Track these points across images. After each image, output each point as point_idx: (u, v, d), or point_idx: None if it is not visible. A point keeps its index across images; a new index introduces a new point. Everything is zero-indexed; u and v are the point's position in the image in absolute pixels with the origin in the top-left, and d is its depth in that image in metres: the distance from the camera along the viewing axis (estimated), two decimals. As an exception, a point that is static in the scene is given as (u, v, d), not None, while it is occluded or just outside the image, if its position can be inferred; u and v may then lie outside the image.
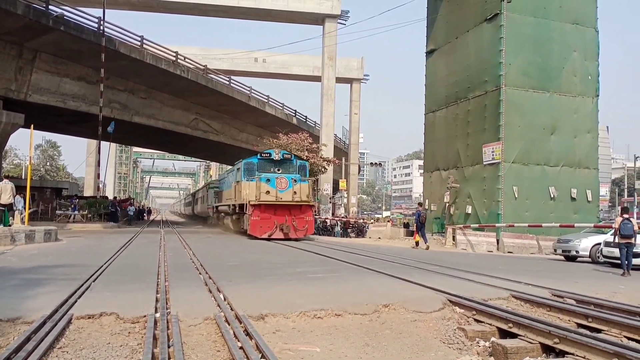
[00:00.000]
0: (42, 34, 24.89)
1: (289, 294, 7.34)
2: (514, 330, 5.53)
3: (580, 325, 5.99)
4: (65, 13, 25.33)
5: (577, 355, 4.64)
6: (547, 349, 5.05)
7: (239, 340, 5.00)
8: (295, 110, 46.16)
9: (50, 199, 33.52)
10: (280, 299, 6.96)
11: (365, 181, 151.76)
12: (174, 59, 32.27)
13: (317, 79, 52.32)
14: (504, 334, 5.62)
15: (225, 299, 6.92)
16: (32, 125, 18.84)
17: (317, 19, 47.79)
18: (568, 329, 5.22)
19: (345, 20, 48.01)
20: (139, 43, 30.12)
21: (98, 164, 36.31)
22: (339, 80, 51.65)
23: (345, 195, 45.64)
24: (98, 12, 29.69)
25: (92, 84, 30.10)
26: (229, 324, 5.60)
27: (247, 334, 5.25)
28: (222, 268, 10.41)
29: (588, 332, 5.22)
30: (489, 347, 5.31)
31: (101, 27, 27.64)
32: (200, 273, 9.69)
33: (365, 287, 8.12)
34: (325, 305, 6.47)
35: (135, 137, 41.11)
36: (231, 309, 6.32)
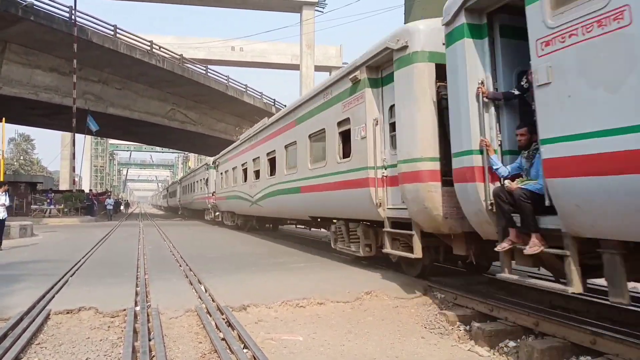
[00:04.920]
0: (11, 24, 24.22)
1: (270, 284, 7.32)
2: (495, 313, 5.60)
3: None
4: (35, 2, 24.65)
5: (556, 337, 4.72)
6: (527, 331, 5.14)
7: (220, 331, 4.97)
8: (274, 100, 45.90)
9: (25, 193, 32.66)
10: (262, 289, 6.94)
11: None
12: (149, 48, 31.72)
13: (296, 67, 52.11)
14: (485, 318, 5.69)
15: (206, 291, 6.88)
16: (3, 119, 18.41)
17: (295, 7, 47.56)
18: (547, 311, 5.30)
19: (323, 8, 47.96)
20: (112, 32, 29.51)
21: (73, 157, 35.61)
22: (318, 68, 51.53)
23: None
24: (69, 1, 29.00)
25: (65, 75, 29.49)
26: (210, 316, 5.57)
27: (229, 324, 5.23)
28: (203, 260, 10.34)
29: (567, 314, 5.31)
30: (469, 331, 5.38)
31: (73, 17, 27.04)
32: (180, 265, 9.61)
33: (347, 275, 8.14)
34: (307, 294, 6.47)
35: (111, 129, 40.35)
36: (212, 300, 6.28)
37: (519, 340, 4.99)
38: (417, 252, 6.69)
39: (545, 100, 4.28)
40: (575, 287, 4.24)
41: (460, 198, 5.71)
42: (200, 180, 29.78)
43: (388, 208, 7.59)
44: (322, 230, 14.15)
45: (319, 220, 11.40)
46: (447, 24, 5.86)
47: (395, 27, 7.06)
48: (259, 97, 43.68)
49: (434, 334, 5.42)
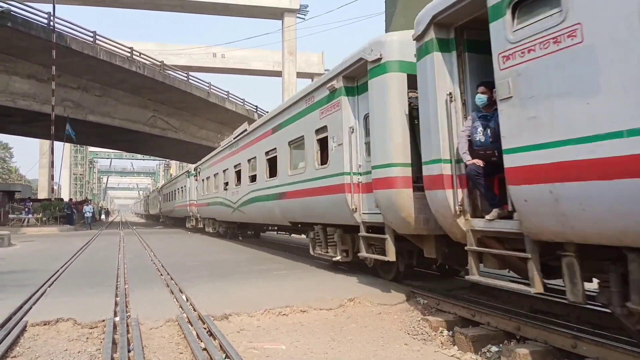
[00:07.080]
0: (-13, 30, 23.80)
1: (253, 292, 7.26)
2: (477, 318, 5.63)
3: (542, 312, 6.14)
4: (12, 8, 24.28)
5: (538, 341, 4.75)
6: (509, 336, 5.16)
7: (202, 341, 4.91)
8: (256, 106, 45.75)
9: (2, 202, 32.08)
10: (244, 297, 6.87)
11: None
12: (129, 55, 31.42)
13: (278, 74, 52.13)
14: (468, 323, 5.71)
15: (187, 300, 6.79)
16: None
17: (276, 14, 47.64)
18: (528, 315, 5.34)
19: (305, 15, 48.09)
20: (91, 39, 29.17)
21: (52, 165, 35.01)
22: (300, 75, 51.64)
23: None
24: (48, 7, 28.62)
25: (44, 82, 29.06)
26: (191, 325, 5.49)
27: (211, 334, 5.16)
28: (184, 268, 10.22)
29: (548, 318, 5.35)
30: (452, 337, 5.39)
31: (51, 23, 26.66)
32: (161, 274, 9.49)
33: (330, 282, 8.11)
34: (290, 302, 6.42)
35: (90, 136, 39.79)
36: (194, 309, 6.20)
37: (501, 345, 5.01)
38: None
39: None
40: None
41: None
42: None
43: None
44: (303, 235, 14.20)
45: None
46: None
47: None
48: (241, 104, 43.54)
49: (417, 340, 5.42)
